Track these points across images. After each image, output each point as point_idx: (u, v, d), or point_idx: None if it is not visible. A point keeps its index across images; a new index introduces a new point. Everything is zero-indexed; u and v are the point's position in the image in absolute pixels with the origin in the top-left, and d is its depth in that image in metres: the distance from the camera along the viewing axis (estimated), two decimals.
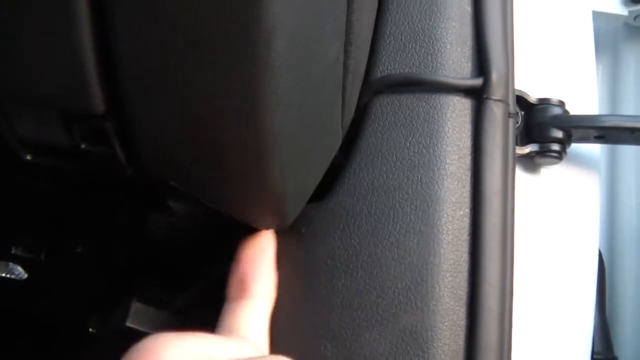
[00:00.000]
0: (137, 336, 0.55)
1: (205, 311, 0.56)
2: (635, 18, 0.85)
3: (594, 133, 0.55)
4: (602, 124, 0.54)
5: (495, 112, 0.44)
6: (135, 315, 0.55)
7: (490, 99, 0.44)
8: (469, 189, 0.43)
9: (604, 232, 0.82)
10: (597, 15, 0.85)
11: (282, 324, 0.43)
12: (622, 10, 0.84)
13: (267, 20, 0.30)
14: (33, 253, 0.58)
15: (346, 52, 0.38)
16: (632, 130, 0.54)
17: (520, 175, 0.54)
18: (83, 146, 0.38)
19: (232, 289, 0.43)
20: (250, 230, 0.45)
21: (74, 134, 0.37)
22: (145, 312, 0.55)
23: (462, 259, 0.42)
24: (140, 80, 0.33)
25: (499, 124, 0.44)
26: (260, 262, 0.43)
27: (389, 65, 0.46)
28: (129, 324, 0.54)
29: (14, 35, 0.32)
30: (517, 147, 0.53)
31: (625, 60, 0.89)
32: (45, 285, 0.63)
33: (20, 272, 0.60)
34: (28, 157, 0.39)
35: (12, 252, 0.58)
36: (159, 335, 0.36)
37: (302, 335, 0.43)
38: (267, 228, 0.43)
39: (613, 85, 0.89)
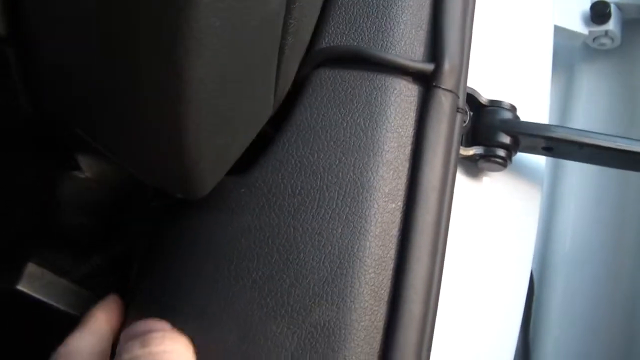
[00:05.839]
0: (27, 301, 0.50)
1: (105, 282, 0.51)
2: (594, 39, 0.83)
3: (543, 143, 0.52)
4: (552, 135, 0.52)
5: (444, 103, 0.41)
6: (29, 279, 0.50)
7: (439, 87, 0.41)
8: (405, 181, 0.40)
9: (537, 251, 0.80)
10: (557, 30, 0.83)
11: (187, 302, 0.39)
12: (583, 29, 0.82)
13: None
14: None
15: (288, 9, 0.34)
16: (581, 145, 0.52)
17: (460, 179, 0.51)
18: None
19: None
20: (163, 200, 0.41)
21: None
22: (40, 276, 0.51)
23: (388, 255, 0.39)
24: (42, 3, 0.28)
25: (446, 116, 0.41)
26: None
27: (336, 38, 0.42)
28: (19, 287, 0.49)
29: None
30: (461, 147, 0.50)
31: (579, 81, 0.87)
32: None
33: None
34: None
35: None
36: None
37: (206, 315, 0.39)
38: (180, 196, 0.39)
39: (564, 104, 0.87)
